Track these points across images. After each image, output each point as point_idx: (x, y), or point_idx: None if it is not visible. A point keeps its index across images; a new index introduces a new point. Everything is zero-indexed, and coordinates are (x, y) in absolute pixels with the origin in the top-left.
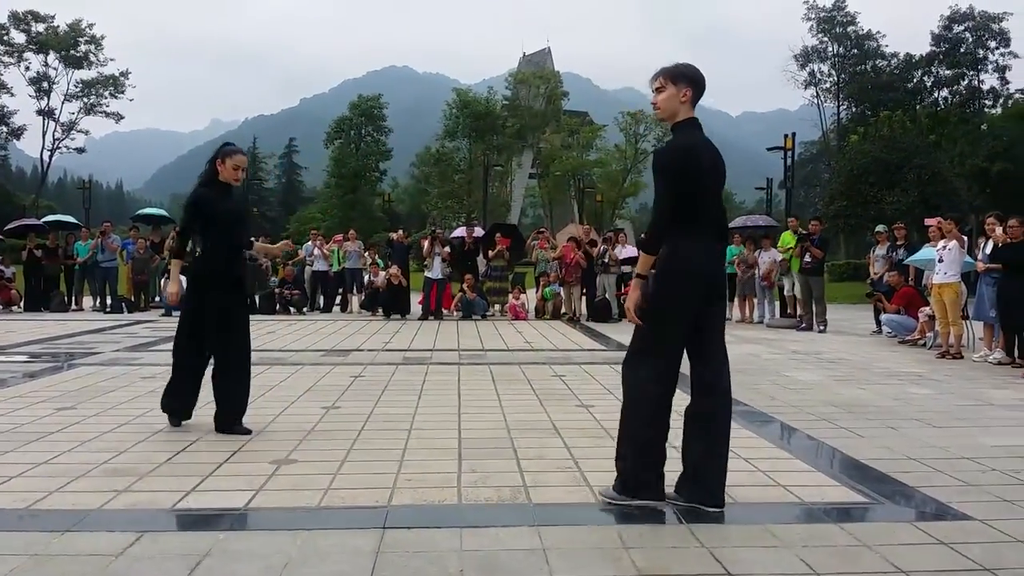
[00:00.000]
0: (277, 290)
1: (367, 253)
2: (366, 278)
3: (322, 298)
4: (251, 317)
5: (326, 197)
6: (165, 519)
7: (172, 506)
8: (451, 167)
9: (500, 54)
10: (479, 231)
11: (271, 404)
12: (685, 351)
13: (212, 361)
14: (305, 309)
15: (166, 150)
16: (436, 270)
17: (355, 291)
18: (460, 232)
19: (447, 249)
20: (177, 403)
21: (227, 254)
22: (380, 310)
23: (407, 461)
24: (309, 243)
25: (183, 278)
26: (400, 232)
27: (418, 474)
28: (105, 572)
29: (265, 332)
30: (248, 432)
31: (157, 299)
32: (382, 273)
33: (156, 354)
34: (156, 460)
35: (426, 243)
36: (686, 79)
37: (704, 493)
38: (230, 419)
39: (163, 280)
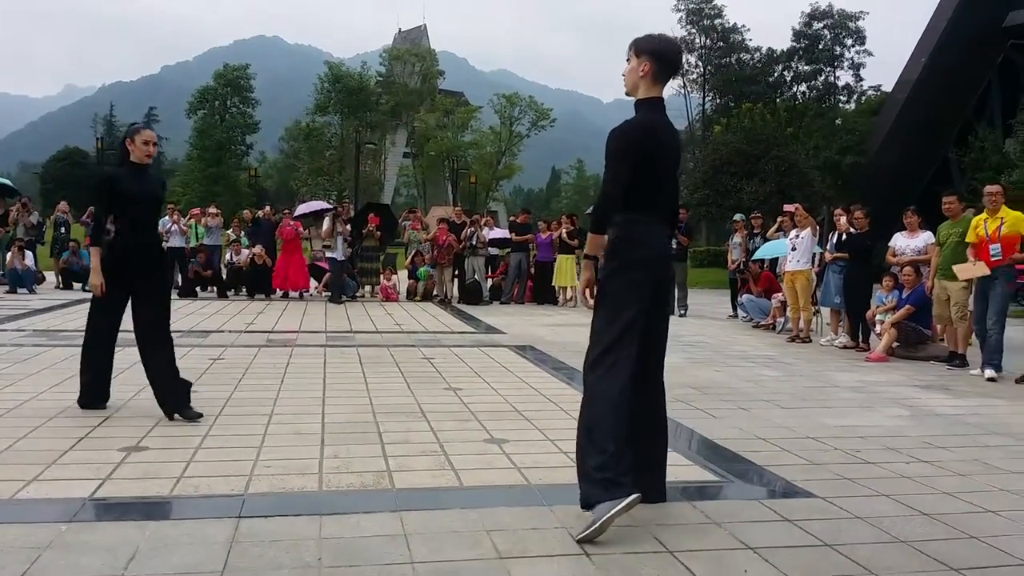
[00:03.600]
0: None
1: (230, 231)
2: (227, 256)
3: (179, 276)
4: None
5: (188, 170)
6: (2, 510)
7: (11, 496)
8: (322, 143)
9: (375, 30)
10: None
11: (122, 388)
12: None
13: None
14: None
15: (16, 116)
16: (339, 251)
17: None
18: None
19: (348, 227)
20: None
21: (144, 232)
22: (244, 290)
23: (267, 447)
24: (165, 217)
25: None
26: (267, 209)
27: (278, 460)
28: None
29: None
30: (200, 416)
31: (1, 274)
32: (245, 251)
33: (7, 334)
34: None
35: (326, 222)
36: (647, 52)
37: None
38: (183, 400)
39: (8, 254)
